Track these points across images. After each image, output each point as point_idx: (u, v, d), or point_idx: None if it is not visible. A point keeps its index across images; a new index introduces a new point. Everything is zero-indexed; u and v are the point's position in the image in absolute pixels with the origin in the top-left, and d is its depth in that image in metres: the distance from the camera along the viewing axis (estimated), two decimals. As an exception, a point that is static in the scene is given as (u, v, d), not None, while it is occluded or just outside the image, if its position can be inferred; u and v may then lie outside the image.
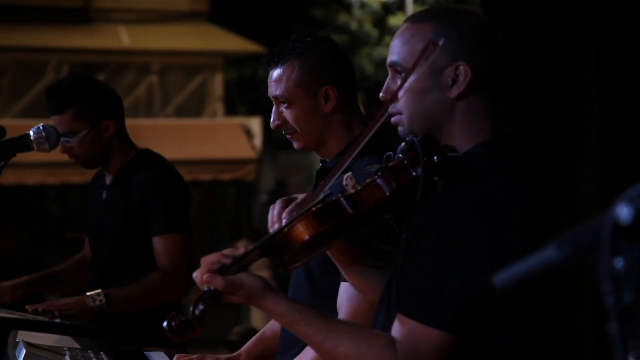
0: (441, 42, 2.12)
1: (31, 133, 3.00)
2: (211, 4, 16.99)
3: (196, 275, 2.09)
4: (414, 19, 2.20)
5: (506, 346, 2.06)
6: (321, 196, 2.10)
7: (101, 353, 2.94)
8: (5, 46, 15.31)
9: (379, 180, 2.06)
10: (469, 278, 2.00)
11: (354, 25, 19.39)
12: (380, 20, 19.56)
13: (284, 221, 2.13)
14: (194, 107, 17.05)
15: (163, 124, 15.70)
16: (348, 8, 19.55)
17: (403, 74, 2.16)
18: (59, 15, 15.85)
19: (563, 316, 2.26)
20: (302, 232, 2.04)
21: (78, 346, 2.99)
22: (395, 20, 19.26)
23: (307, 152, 3.11)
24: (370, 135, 2.18)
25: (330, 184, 2.14)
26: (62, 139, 3.68)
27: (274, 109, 2.91)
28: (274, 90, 2.88)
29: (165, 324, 2.01)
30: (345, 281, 2.56)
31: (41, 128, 3.01)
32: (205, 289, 2.03)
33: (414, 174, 2.05)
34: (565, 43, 4.26)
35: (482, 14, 2.29)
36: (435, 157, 2.04)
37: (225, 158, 15.75)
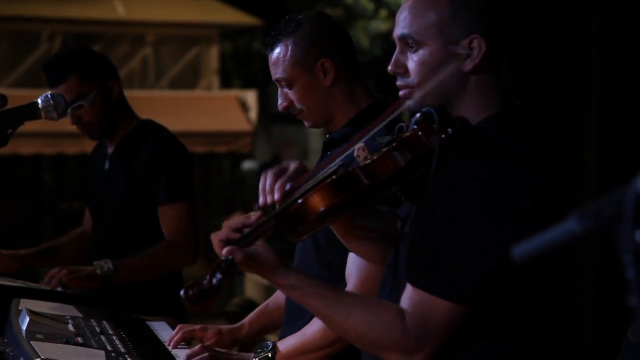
0: (444, 32, 2.11)
1: (39, 101, 2.99)
2: (207, -25, 16.90)
3: (214, 236, 2.10)
4: None
5: (515, 318, 2.07)
6: (333, 167, 2.10)
7: (103, 322, 2.94)
8: (-1, 15, 15.25)
9: (393, 152, 2.06)
10: (480, 250, 2.00)
11: (349, -1, 19.32)
12: (375, -6, 19.48)
13: (276, 194, 2.11)
14: (189, 79, 16.99)
15: (157, 96, 15.65)
16: (344, -19, 19.48)
17: (414, 46, 2.15)
18: (53, -15, 15.77)
19: (565, 289, 2.27)
20: (318, 202, 2.04)
21: (80, 315, 3.00)
22: (391, -6, 19.19)
23: (301, 125, 3.12)
24: (390, 118, 2.17)
25: (344, 155, 2.13)
26: (74, 105, 3.69)
27: (279, 92, 2.95)
28: (274, 73, 2.92)
29: (182, 292, 2.02)
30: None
31: (49, 96, 3.00)
32: (223, 258, 2.03)
33: (429, 144, 2.05)
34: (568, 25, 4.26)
35: None
36: (450, 129, 2.04)
37: (220, 130, 15.72)
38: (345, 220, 2.31)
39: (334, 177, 2.06)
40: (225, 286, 2.07)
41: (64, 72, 3.78)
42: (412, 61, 2.16)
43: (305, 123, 3.00)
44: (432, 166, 2.02)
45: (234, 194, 17.68)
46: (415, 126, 2.08)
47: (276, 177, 2.17)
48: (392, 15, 19.27)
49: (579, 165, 4.10)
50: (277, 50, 2.91)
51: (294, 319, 2.89)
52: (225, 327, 3.10)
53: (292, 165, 2.19)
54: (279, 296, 3.18)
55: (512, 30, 2.26)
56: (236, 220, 2.15)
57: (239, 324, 3.14)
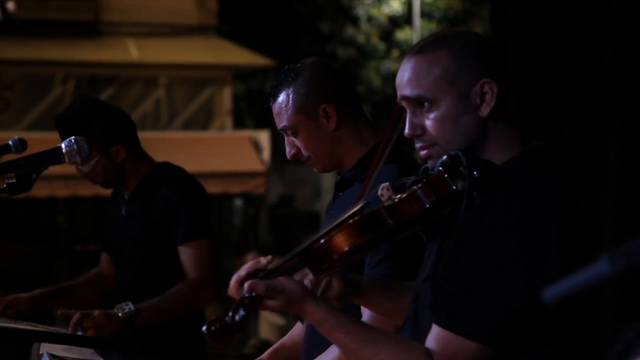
0: (454, 84, 2.13)
1: (63, 146, 3.00)
2: (220, 17, 17.02)
3: (232, 283, 2.10)
4: (419, 51, 2.17)
5: (543, 356, 2.06)
6: (358, 206, 2.11)
7: (124, 366, 2.94)
8: (14, 59, 15.35)
9: (418, 192, 2.06)
10: (506, 291, 2.00)
11: (360, 39, 19.43)
12: (387, 34, 19.59)
13: (246, 284, 2.08)
14: (202, 120, 17.06)
15: (170, 137, 15.72)
16: (355, 21, 19.59)
17: (428, 105, 2.15)
18: (67, 29, 15.89)
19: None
20: (342, 242, 2.04)
21: (101, 358, 2.99)
22: (402, 34, 19.29)
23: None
24: (387, 152, 2.19)
25: (367, 195, 2.14)
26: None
27: (286, 140, 2.98)
28: (278, 123, 2.95)
29: (204, 328, 2.01)
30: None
31: (72, 141, 3.01)
32: (246, 294, 2.03)
33: (454, 187, 2.05)
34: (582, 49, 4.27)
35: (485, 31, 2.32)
36: (476, 172, 2.04)
37: (233, 171, 15.76)
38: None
39: (357, 217, 2.06)
40: (244, 327, 2.07)
41: (68, 134, 3.77)
42: (429, 120, 2.15)
43: (316, 169, 3.02)
44: (462, 210, 2.02)
45: (248, 234, 17.69)
46: (441, 168, 2.08)
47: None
48: (403, 55, 19.36)
49: (598, 184, 4.08)
50: (279, 100, 2.93)
51: (312, 357, 2.88)
52: None
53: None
54: (294, 334, 3.18)
55: (505, 64, 2.28)
56: (253, 262, 2.15)
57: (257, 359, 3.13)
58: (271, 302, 2.07)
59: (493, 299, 2.00)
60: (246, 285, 2.04)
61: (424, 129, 2.16)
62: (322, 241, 2.06)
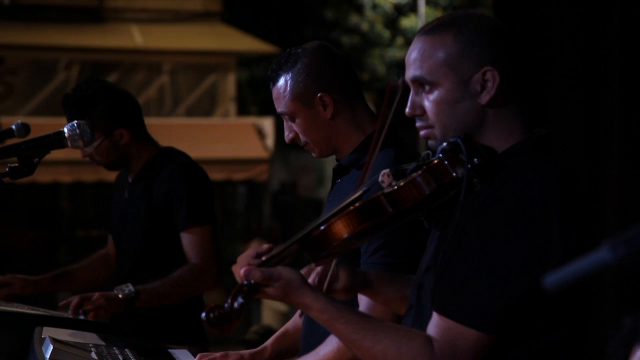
0: (456, 69, 2.12)
1: (65, 130, 3.00)
2: (224, 3, 17.00)
3: (235, 268, 2.10)
4: (428, 31, 2.18)
5: (544, 345, 2.06)
6: (358, 193, 2.11)
7: (126, 350, 2.94)
8: (18, 44, 15.35)
9: (418, 179, 2.06)
10: (507, 279, 2.00)
11: (365, 26, 19.39)
12: (391, 21, 19.56)
13: (242, 270, 2.08)
14: (206, 107, 17.06)
15: (174, 123, 15.71)
16: (359, 9, 19.55)
17: (429, 87, 2.16)
18: (72, 14, 15.88)
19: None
20: (342, 229, 2.05)
21: (103, 342, 3.00)
22: (407, 22, 19.26)
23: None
24: (382, 137, 2.19)
25: (366, 185, 2.14)
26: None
27: (284, 124, 3.00)
28: (277, 107, 2.98)
29: (203, 315, 2.02)
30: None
31: (75, 125, 3.02)
32: (244, 282, 2.03)
33: (454, 174, 2.05)
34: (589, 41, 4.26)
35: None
36: (476, 159, 2.04)
37: (237, 157, 15.75)
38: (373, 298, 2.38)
39: (357, 204, 2.06)
40: (243, 314, 2.07)
41: (73, 115, 3.78)
42: (429, 102, 2.16)
43: (313, 154, 3.04)
44: (461, 196, 2.02)
45: (251, 221, 17.70)
46: (441, 155, 2.08)
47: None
48: (408, 43, 19.33)
49: (600, 173, 4.08)
50: (278, 85, 2.96)
51: (311, 347, 2.89)
52: (246, 352, 3.10)
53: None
54: (297, 320, 3.19)
55: (524, 54, 2.26)
56: (251, 249, 2.15)
57: (260, 347, 3.14)
58: (269, 290, 2.07)
59: (493, 286, 2.00)
60: (242, 272, 2.04)
61: (423, 109, 2.17)
62: (321, 228, 2.06)
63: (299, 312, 3.16)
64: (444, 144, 2.08)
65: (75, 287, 4.17)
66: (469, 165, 2.03)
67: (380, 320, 2.13)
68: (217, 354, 3.01)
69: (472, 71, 2.13)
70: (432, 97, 2.15)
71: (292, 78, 2.93)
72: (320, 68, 2.95)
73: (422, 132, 2.19)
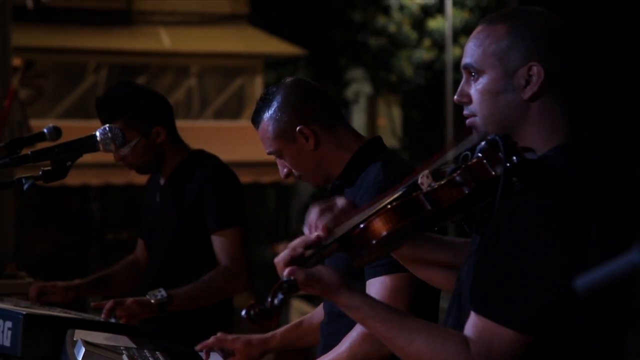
0: (503, 61, 2.13)
1: (97, 133, 3.02)
2: (251, 6, 17.04)
3: (277, 260, 2.11)
4: (487, 21, 2.21)
5: (580, 350, 2.06)
6: (398, 193, 2.11)
7: (157, 352, 2.95)
8: (47, 47, 15.45)
9: (457, 178, 2.06)
10: (544, 280, 1.99)
11: (392, 28, 19.38)
12: (418, 23, 19.53)
13: (320, 231, 2.13)
14: (233, 110, 17.10)
15: (202, 126, 15.76)
16: (386, 10, 19.54)
17: (476, 75, 2.18)
18: (100, 17, 15.97)
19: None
20: (381, 227, 2.05)
21: (134, 345, 3.01)
22: (434, 23, 19.23)
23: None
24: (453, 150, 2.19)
25: (408, 183, 2.14)
26: None
27: (277, 162, 3.09)
28: (265, 148, 3.07)
29: (244, 312, 2.03)
30: (373, 276, 2.71)
31: (107, 129, 3.03)
32: (284, 279, 2.05)
33: (493, 173, 2.05)
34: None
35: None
36: (515, 158, 2.04)
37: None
38: (411, 251, 2.33)
39: (395, 202, 2.07)
40: (282, 311, 2.09)
41: (109, 116, 3.80)
42: (474, 90, 2.19)
43: (311, 185, 3.14)
44: (498, 195, 2.02)
45: (279, 224, 17.73)
46: (480, 154, 2.08)
47: (322, 213, 2.18)
48: (435, 44, 19.28)
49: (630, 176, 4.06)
50: (260, 127, 3.05)
51: (329, 348, 2.92)
52: (255, 337, 3.16)
53: (340, 203, 2.21)
54: (313, 318, 3.24)
55: (579, 55, 2.26)
56: (297, 240, 2.16)
57: (270, 334, 3.20)
58: (308, 289, 2.09)
59: (531, 287, 2.00)
60: (286, 271, 2.06)
61: (470, 97, 2.19)
62: (361, 226, 2.07)
63: (320, 306, 3.21)
64: (483, 143, 2.09)
65: (111, 292, 4.19)
66: (508, 164, 2.03)
67: (416, 319, 2.13)
68: (230, 336, 3.09)
69: (519, 65, 2.15)
70: (477, 85, 2.18)
71: (271, 117, 3.01)
72: (296, 103, 3.02)
73: (467, 121, 2.21)
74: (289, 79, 3.13)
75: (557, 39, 2.17)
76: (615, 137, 4.14)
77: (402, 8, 19.46)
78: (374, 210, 2.08)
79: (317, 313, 3.24)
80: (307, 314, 3.34)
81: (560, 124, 2.16)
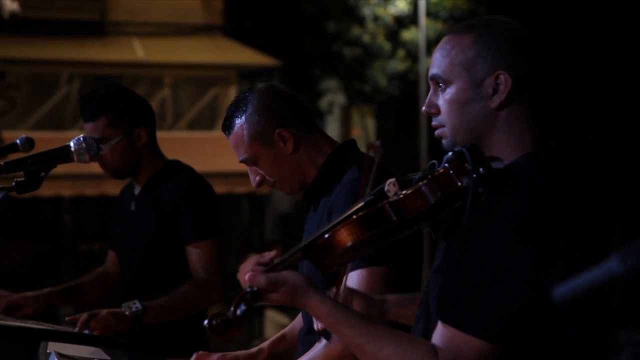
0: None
1: (71, 144, 3.02)
2: (225, 17, 17.03)
3: (240, 275, 2.10)
4: (454, 31, 2.23)
5: (550, 353, 2.06)
6: (363, 202, 2.11)
7: (131, 364, 2.94)
8: (19, 58, 15.36)
9: (424, 188, 2.06)
10: (511, 288, 2.00)
11: (366, 38, 19.39)
12: (393, 34, 19.56)
13: (247, 276, 2.09)
14: (207, 120, 17.06)
15: (176, 137, 15.72)
16: (361, 21, 19.56)
17: (443, 85, 2.18)
18: (73, 28, 15.90)
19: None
20: (346, 237, 2.05)
21: (108, 357, 3.00)
22: (408, 34, 19.27)
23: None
24: (367, 190, 2.18)
25: (375, 190, 2.14)
26: None
27: (249, 170, 3.04)
28: (238, 155, 3.03)
29: (206, 322, 2.02)
30: (352, 269, 2.64)
31: (81, 139, 3.03)
32: (248, 289, 2.04)
33: (459, 184, 2.05)
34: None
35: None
36: (482, 169, 2.04)
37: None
38: (397, 314, 2.39)
39: (361, 213, 2.07)
40: (245, 328, 2.07)
41: (94, 112, 3.80)
42: (442, 100, 2.19)
43: (284, 191, 3.07)
44: (467, 206, 2.02)
45: (253, 235, 17.69)
46: (446, 165, 2.08)
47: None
48: (409, 55, 19.32)
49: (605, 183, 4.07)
50: (234, 132, 3.00)
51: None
52: (242, 352, 3.12)
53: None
54: (295, 327, 3.22)
55: (544, 62, 2.27)
56: (255, 257, 2.15)
57: (256, 349, 3.17)
58: (274, 296, 2.07)
59: (497, 296, 2.00)
60: (247, 278, 2.04)
61: (438, 108, 2.19)
62: (325, 236, 2.07)
63: (299, 315, 3.18)
64: (450, 153, 2.09)
65: (81, 302, 4.17)
66: (475, 175, 2.03)
67: (386, 326, 2.14)
68: (215, 355, 3.03)
69: (486, 74, 2.16)
70: (444, 95, 2.19)
71: (246, 122, 2.97)
72: (272, 106, 3.00)
73: (436, 132, 2.22)
74: (261, 85, 3.09)
75: (522, 47, 2.19)
76: (593, 142, 4.17)
77: (376, 19, 19.49)
78: (338, 220, 2.08)
79: (297, 324, 3.22)
80: (281, 323, 3.33)
81: (528, 131, 2.18)
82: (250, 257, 2.16)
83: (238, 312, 2.01)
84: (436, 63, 2.20)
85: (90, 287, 4.14)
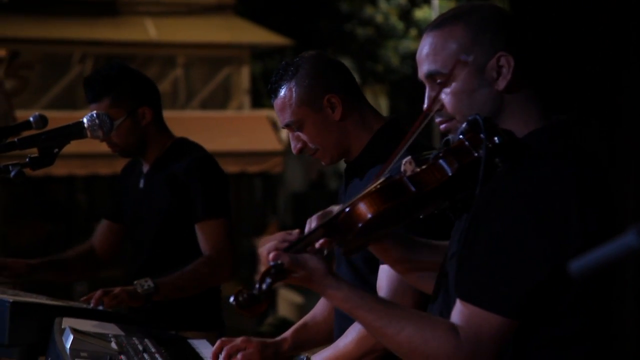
0: (470, 58, 2.12)
1: (84, 120, 3.01)
2: (238, -4, 17.01)
3: (262, 250, 2.11)
4: (436, 26, 2.19)
5: (568, 329, 2.06)
6: (382, 179, 2.11)
7: (145, 340, 2.95)
8: (32, 38, 15.39)
9: (440, 161, 2.06)
10: (528, 264, 2.00)
11: (379, 18, 19.38)
12: (405, 13, 19.54)
13: (270, 255, 2.08)
14: (220, 100, 17.08)
15: (189, 116, 15.74)
16: (374, 1, 19.53)
17: (445, 79, 2.15)
18: (86, 8, 15.91)
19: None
20: (366, 210, 2.04)
21: (122, 333, 3.01)
22: (421, 13, 19.24)
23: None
24: (410, 141, 2.18)
25: (390, 168, 2.14)
26: None
27: (290, 136, 2.97)
28: (282, 119, 2.95)
29: (232, 298, 2.02)
30: (384, 263, 2.60)
31: (94, 115, 3.02)
32: (272, 263, 2.04)
33: (476, 154, 2.04)
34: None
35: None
36: (496, 138, 2.03)
37: (251, 150, 15.76)
38: (406, 255, 2.33)
39: (379, 185, 2.07)
40: (271, 297, 2.08)
41: (97, 93, 3.80)
42: (446, 95, 2.16)
43: (323, 162, 3.02)
44: (480, 175, 2.01)
45: (266, 214, 17.72)
46: (461, 136, 2.08)
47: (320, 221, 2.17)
48: (421, 34, 19.29)
49: (620, 170, 4.05)
50: (281, 95, 2.94)
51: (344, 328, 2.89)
52: (269, 340, 3.09)
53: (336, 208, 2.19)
54: (316, 314, 3.19)
55: (542, 38, 2.26)
56: (278, 234, 2.16)
57: (280, 338, 3.13)
58: (294, 276, 2.08)
59: (515, 272, 2.00)
60: (271, 255, 2.05)
61: (442, 104, 2.16)
62: (346, 210, 2.07)
63: (319, 301, 3.18)
64: (464, 124, 2.08)
65: (65, 277, 4.16)
66: (489, 144, 2.02)
67: (404, 307, 2.14)
68: (239, 339, 3.00)
69: (487, 58, 2.14)
70: (449, 89, 2.16)
71: (296, 85, 2.91)
72: (323, 71, 2.94)
73: (442, 127, 2.19)
74: (310, 52, 3.03)
75: (513, 26, 2.17)
76: (605, 123, 4.14)
77: (388, -2, 19.47)
78: (358, 196, 2.08)
79: (318, 309, 3.19)
80: (294, 302, 3.32)
81: (533, 109, 2.17)
82: (277, 234, 2.16)
83: (264, 286, 2.02)
84: (430, 59, 2.16)
85: (73, 263, 4.13)
